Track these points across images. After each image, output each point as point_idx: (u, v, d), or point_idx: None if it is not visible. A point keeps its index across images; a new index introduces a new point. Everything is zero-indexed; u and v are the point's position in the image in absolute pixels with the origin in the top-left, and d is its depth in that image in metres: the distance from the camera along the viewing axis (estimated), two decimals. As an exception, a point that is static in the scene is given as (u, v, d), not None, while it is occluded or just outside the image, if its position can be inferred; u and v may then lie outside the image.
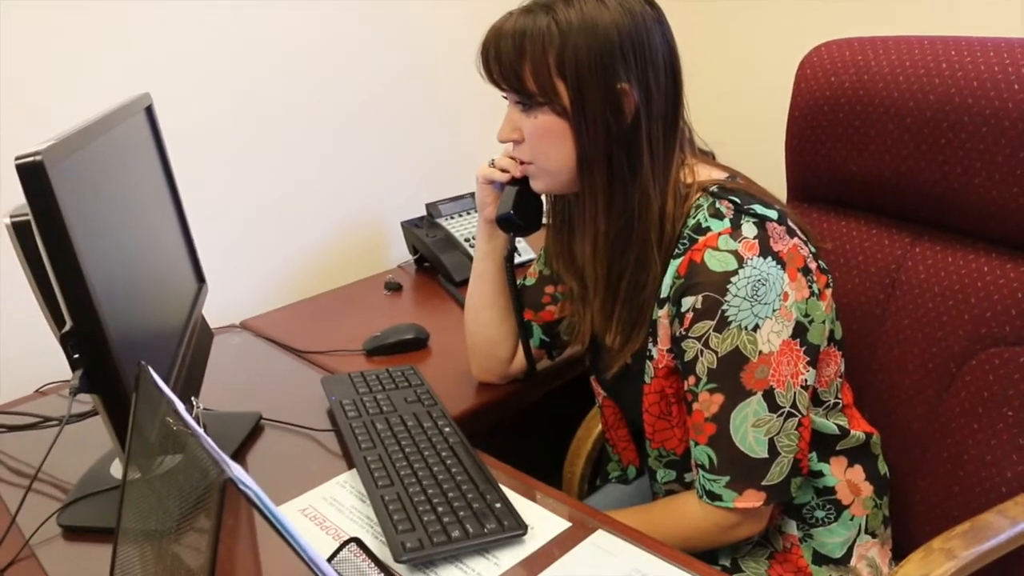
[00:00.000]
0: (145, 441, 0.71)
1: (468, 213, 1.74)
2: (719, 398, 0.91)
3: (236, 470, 0.56)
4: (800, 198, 1.28)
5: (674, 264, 0.93)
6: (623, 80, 0.90)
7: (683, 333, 0.92)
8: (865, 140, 1.16)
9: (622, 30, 0.89)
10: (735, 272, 0.89)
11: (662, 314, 0.95)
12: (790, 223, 0.94)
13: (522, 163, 1.01)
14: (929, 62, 1.10)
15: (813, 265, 0.95)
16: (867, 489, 1.04)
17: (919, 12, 1.55)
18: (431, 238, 1.67)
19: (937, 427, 1.10)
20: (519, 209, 1.07)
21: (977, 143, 1.04)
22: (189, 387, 1.03)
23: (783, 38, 1.78)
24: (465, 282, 1.59)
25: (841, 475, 1.03)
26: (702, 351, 0.91)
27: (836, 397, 1.03)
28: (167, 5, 1.42)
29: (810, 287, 0.93)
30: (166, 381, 0.95)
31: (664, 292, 0.94)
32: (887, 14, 1.66)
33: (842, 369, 1.03)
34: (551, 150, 0.95)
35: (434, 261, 1.66)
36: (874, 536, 1.05)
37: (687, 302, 0.91)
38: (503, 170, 1.08)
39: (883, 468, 1.07)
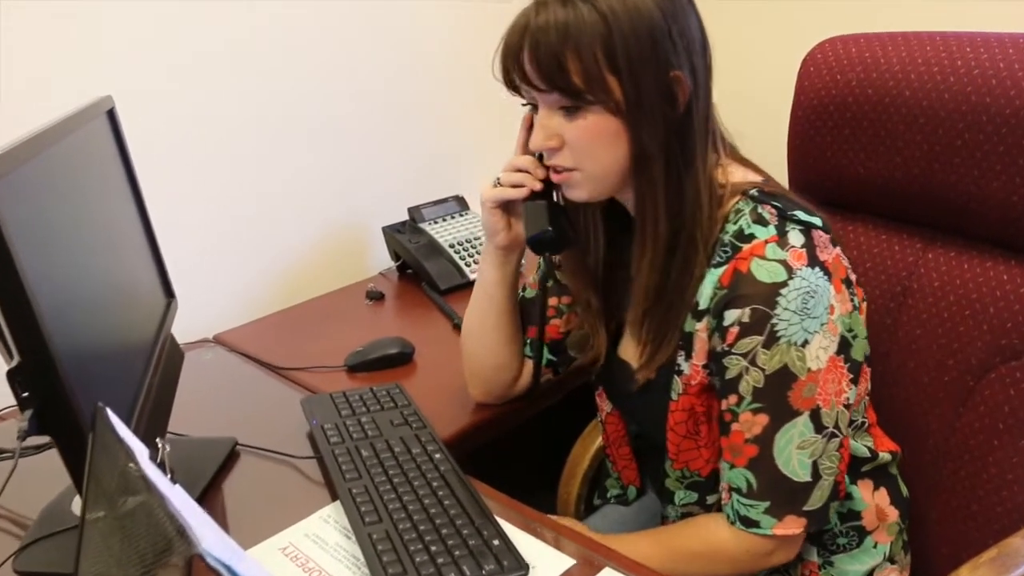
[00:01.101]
0: (104, 491, 0.63)
1: (452, 217, 1.66)
2: (763, 419, 0.84)
3: (207, 541, 0.48)
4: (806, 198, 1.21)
5: (715, 273, 0.85)
6: (675, 67, 0.82)
7: (726, 349, 0.85)
8: (874, 141, 1.09)
9: (666, 12, 0.81)
10: (785, 283, 0.82)
11: (700, 327, 0.87)
12: (832, 232, 0.88)
13: (556, 171, 0.90)
14: (943, 59, 1.03)
15: (853, 277, 0.89)
16: (893, 514, 0.98)
17: (926, 7, 1.48)
18: (414, 244, 1.60)
19: (954, 444, 1.04)
20: (555, 224, 0.96)
21: (996, 145, 0.98)
22: (155, 423, 0.95)
23: (785, 34, 1.71)
24: (451, 290, 1.53)
25: (870, 499, 0.97)
26: (747, 369, 0.83)
27: (863, 416, 0.97)
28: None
29: (852, 300, 0.87)
30: (129, 418, 0.87)
31: (703, 303, 0.87)
32: (892, 9, 1.59)
33: (869, 386, 0.97)
34: (602, 153, 0.86)
35: (418, 268, 1.58)
36: (893, 562, 0.98)
37: (732, 315, 0.84)
38: (515, 186, 0.98)
39: (904, 489, 1.01)
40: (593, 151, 0.86)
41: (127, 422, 0.86)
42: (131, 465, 0.54)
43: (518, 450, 1.35)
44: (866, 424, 0.99)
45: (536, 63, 0.82)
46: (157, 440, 0.68)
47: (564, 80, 0.82)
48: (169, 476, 0.67)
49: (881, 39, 1.10)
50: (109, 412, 0.63)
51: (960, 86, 1.00)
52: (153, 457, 0.66)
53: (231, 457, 1.09)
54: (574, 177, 0.89)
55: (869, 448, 0.97)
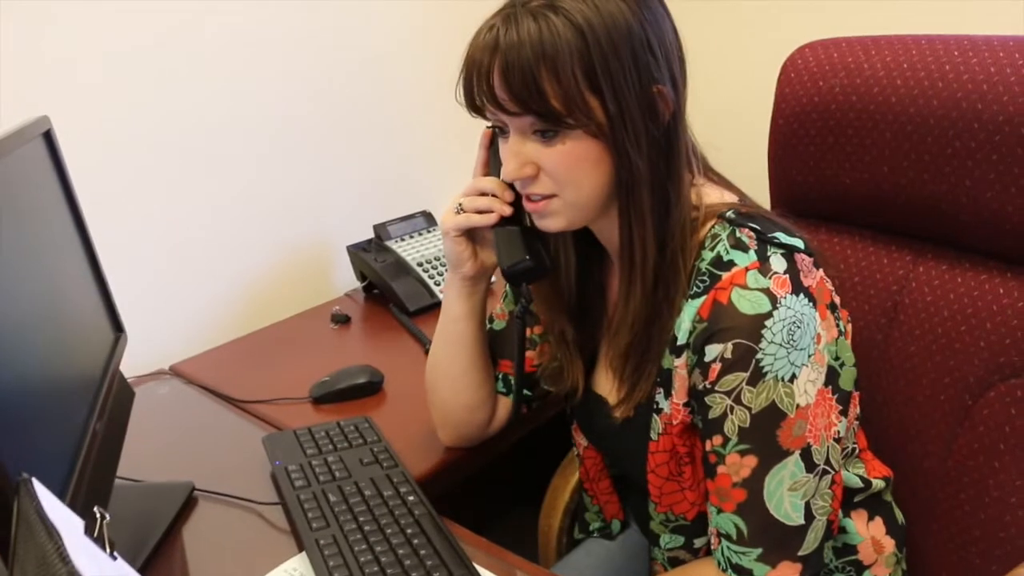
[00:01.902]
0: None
1: (420, 234, 1.60)
2: (751, 460, 0.78)
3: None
4: (786, 214, 1.16)
5: (693, 305, 0.79)
6: (657, 81, 0.76)
7: (708, 387, 0.78)
8: (860, 150, 1.04)
9: (644, 21, 0.75)
10: (769, 314, 0.76)
11: (679, 364, 0.81)
12: (815, 252, 0.83)
13: (530, 200, 0.82)
14: (930, 63, 0.98)
15: (837, 300, 0.83)
16: (889, 544, 0.92)
17: (907, 9, 1.44)
18: (380, 263, 1.52)
19: (951, 466, 0.99)
20: (532, 252, 0.89)
21: (989, 153, 0.93)
22: (99, 481, 0.86)
23: (762, 39, 1.66)
24: (420, 312, 1.46)
25: (865, 531, 0.91)
26: (732, 408, 0.77)
27: (853, 442, 0.92)
28: (62, 7, 1.23)
29: (837, 325, 0.82)
30: (67, 477, 0.79)
31: (682, 337, 0.80)
32: (873, 12, 1.55)
33: (859, 411, 0.91)
34: (584, 178, 0.79)
35: (385, 289, 1.51)
36: (893, 596, 0.93)
37: (713, 351, 0.77)
38: (481, 211, 0.91)
39: (899, 516, 0.96)
40: (574, 177, 0.79)
41: (64, 484, 0.78)
42: (55, 566, 0.46)
43: (495, 481, 1.28)
44: (856, 450, 0.94)
45: (508, 85, 0.75)
46: (96, 509, 0.60)
47: (541, 103, 0.74)
48: (108, 551, 0.59)
49: (864, 43, 1.06)
50: (35, 484, 0.55)
51: (950, 91, 0.96)
52: (91, 530, 0.58)
53: (188, 503, 1.01)
54: (552, 205, 0.81)
55: (861, 477, 0.92)
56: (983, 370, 0.96)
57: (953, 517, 0.99)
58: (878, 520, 0.93)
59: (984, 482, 0.96)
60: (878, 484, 0.92)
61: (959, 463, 0.98)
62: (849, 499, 0.91)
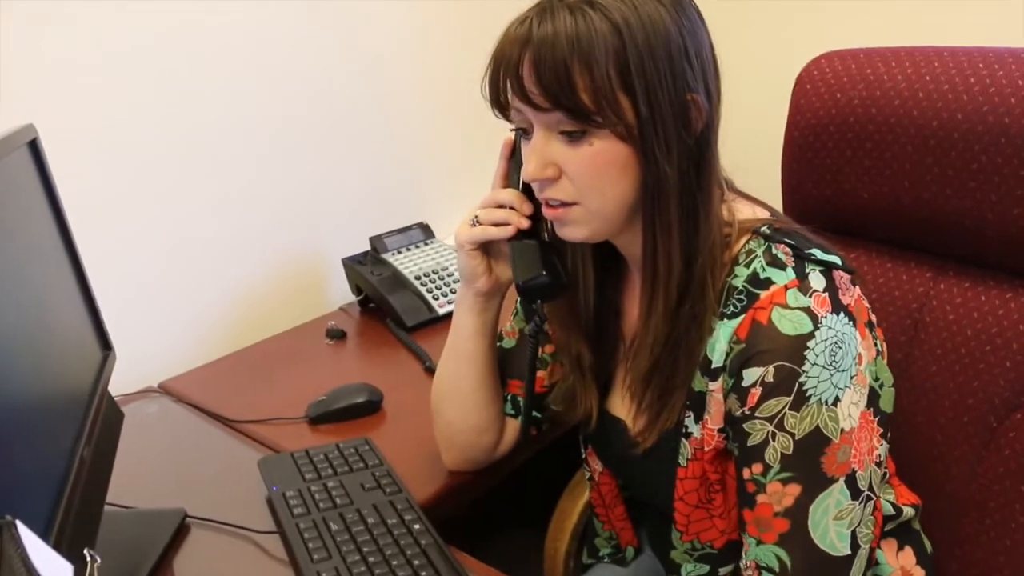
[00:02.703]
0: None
1: (417, 246, 1.55)
2: (795, 489, 0.74)
3: None
4: (819, 230, 1.13)
5: (729, 325, 0.76)
6: (692, 89, 0.73)
7: (747, 413, 0.75)
8: (879, 164, 1.01)
9: (682, 28, 0.72)
10: (811, 335, 0.72)
11: (715, 388, 0.77)
12: (853, 270, 0.80)
13: (549, 205, 0.79)
14: (954, 76, 0.95)
15: (874, 318, 0.80)
16: (919, 575, 0.88)
17: (930, 22, 1.41)
18: (377, 276, 1.48)
19: (976, 490, 0.96)
20: (549, 268, 0.85)
21: (1017, 168, 0.90)
22: (86, 517, 0.81)
23: (777, 49, 1.63)
24: (418, 327, 1.42)
25: (895, 561, 0.88)
26: (774, 434, 0.74)
27: (883, 467, 0.88)
28: (41, 8, 1.18)
29: (876, 345, 0.79)
30: (53, 510, 0.74)
31: (717, 360, 0.77)
32: (892, 24, 1.53)
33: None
34: (609, 185, 0.75)
35: (381, 303, 1.46)
36: (921, 630, 0.89)
37: (753, 374, 0.74)
38: (498, 224, 0.87)
39: (928, 544, 0.93)
40: (599, 183, 0.75)
41: (51, 514, 0.73)
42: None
43: (499, 501, 1.24)
44: (887, 475, 0.90)
45: (539, 77, 0.72)
46: (86, 552, 0.55)
47: (571, 98, 0.71)
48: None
49: (883, 54, 1.03)
50: (19, 526, 0.50)
51: (975, 105, 0.93)
52: (80, 575, 0.54)
53: (180, 531, 0.96)
54: (572, 213, 0.78)
55: (892, 503, 0.89)
56: (1008, 391, 0.93)
57: (978, 543, 0.96)
58: (908, 550, 0.89)
59: (1010, 507, 0.93)
60: (908, 512, 0.89)
61: (984, 488, 0.95)
62: (880, 527, 0.87)
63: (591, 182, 0.75)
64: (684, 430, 0.81)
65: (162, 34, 1.29)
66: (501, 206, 0.87)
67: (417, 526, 0.89)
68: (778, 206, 1.11)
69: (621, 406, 0.90)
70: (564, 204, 0.78)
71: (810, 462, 0.73)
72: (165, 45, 1.30)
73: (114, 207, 1.29)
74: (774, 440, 0.74)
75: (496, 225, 0.87)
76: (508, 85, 0.74)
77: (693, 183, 0.76)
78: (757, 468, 0.75)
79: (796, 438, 0.73)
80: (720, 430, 0.79)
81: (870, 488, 0.77)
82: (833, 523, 0.74)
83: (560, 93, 0.71)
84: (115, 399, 1.04)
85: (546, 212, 0.80)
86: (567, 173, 0.76)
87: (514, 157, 0.89)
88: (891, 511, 0.88)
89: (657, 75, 0.71)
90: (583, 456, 1.03)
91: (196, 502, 0.99)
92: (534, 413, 0.99)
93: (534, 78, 0.72)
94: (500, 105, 0.77)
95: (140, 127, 1.30)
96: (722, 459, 0.81)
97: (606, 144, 0.73)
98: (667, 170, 0.74)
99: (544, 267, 0.84)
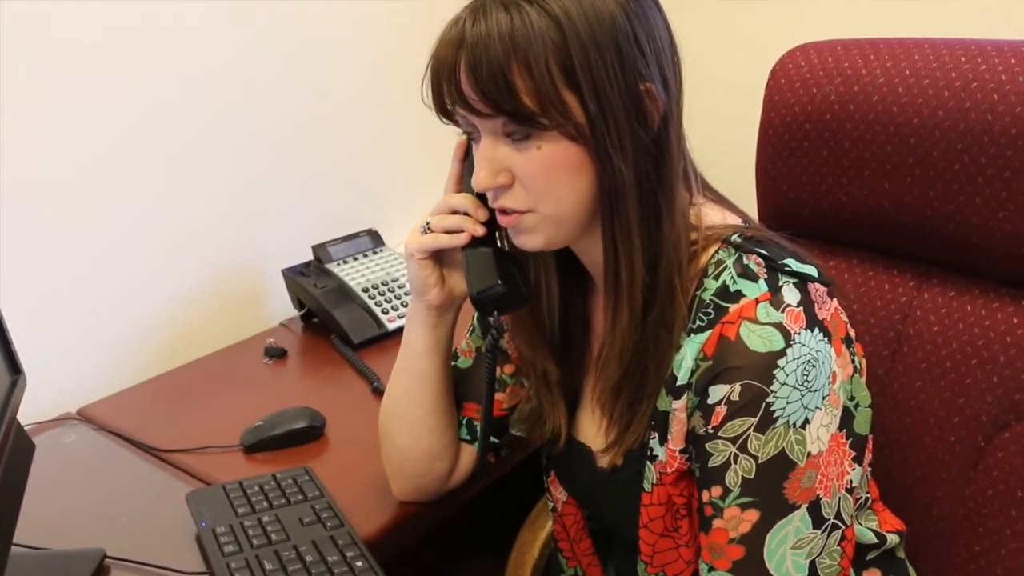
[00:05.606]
0: None
1: (365, 255, 1.56)
2: (753, 515, 0.75)
3: None
4: (794, 238, 1.15)
5: (695, 340, 0.76)
6: (645, 78, 0.74)
7: (710, 432, 0.76)
8: (858, 164, 1.03)
9: (630, 12, 0.73)
10: (782, 353, 0.73)
11: (678, 406, 0.78)
12: (830, 281, 0.81)
13: (504, 213, 0.79)
14: (935, 70, 0.97)
15: (853, 333, 0.81)
16: (904, 608, 0.90)
17: (909, 11, 1.44)
18: (320, 289, 1.48)
19: (963, 514, 0.98)
20: (506, 277, 0.85)
21: (1002, 169, 0.92)
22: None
23: (749, 41, 1.65)
24: (366, 344, 1.42)
25: (877, 594, 0.88)
26: (736, 456, 0.75)
27: (865, 492, 0.89)
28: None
29: (853, 362, 0.80)
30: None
31: (682, 377, 0.77)
32: (871, 13, 1.55)
33: (871, 457, 0.89)
34: (562, 188, 0.76)
35: (325, 318, 1.46)
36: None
37: (718, 392, 0.75)
38: (451, 231, 0.87)
39: (913, 574, 0.94)
40: (552, 187, 0.76)
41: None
42: None
43: (454, 532, 1.23)
44: (869, 501, 0.91)
45: (476, 82, 0.72)
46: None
47: (512, 102, 0.72)
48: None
49: (861, 46, 1.04)
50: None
51: (957, 101, 0.94)
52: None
53: (99, 574, 0.95)
54: (527, 220, 0.79)
55: (874, 531, 0.90)
56: (996, 408, 0.95)
57: (967, 571, 0.97)
58: (892, 581, 0.90)
59: (1000, 532, 0.95)
60: (892, 539, 0.90)
61: (972, 512, 0.97)
62: (861, 556, 0.89)
63: (543, 187, 0.76)
64: (649, 452, 0.82)
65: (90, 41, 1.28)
66: (454, 212, 0.87)
67: (360, 563, 0.89)
68: (752, 210, 1.13)
69: (588, 427, 0.90)
70: (518, 212, 0.78)
71: (772, 487, 0.74)
72: (93, 53, 1.29)
73: (25, 214, 1.27)
74: (736, 463, 0.75)
75: (449, 232, 0.87)
76: (446, 91, 0.75)
77: (653, 181, 0.77)
78: (716, 491, 0.76)
79: (759, 461, 0.74)
80: (682, 450, 0.80)
81: (837, 516, 0.77)
82: (791, 552, 0.75)
83: (500, 97, 0.72)
84: (25, 428, 1.02)
85: (500, 220, 0.81)
86: (519, 178, 0.77)
87: (468, 159, 0.90)
88: (873, 539, 0.89)
89: (604, 67, 0.72)
90: (545, 484, 1.04)
91: (117, 541, 0.98)
92: (492, 438, 0.99)
93: (472, 83, 0.73)
94: (445, 111, 0.78)
95: (59, 131, 1.29)
96: (688, 481, 0.81)
97: (555, 146, 0.74)
98: (623, 169, 0.74)
99: (500, 277, 0.84)
